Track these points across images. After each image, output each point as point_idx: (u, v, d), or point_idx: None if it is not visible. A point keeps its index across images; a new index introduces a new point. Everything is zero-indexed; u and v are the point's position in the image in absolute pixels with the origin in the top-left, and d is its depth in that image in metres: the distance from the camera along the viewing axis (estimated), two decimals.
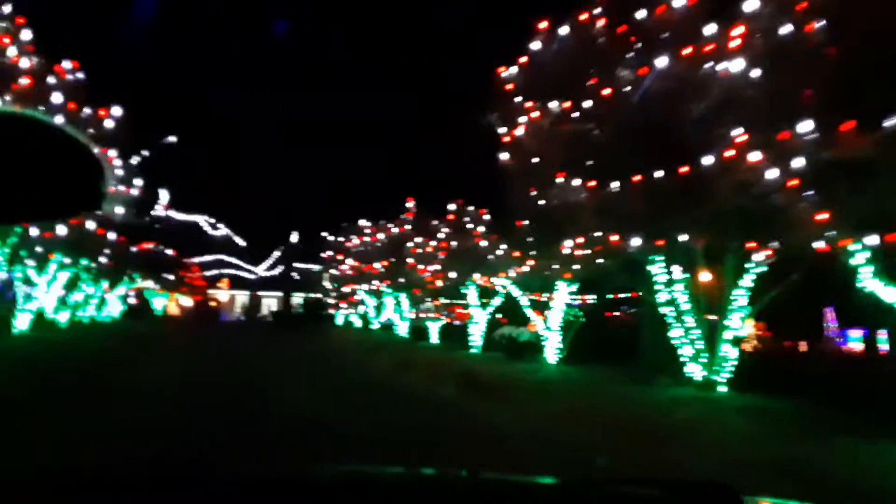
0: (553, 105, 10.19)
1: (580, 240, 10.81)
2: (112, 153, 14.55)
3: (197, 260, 66.70)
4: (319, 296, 52.63)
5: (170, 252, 29.00)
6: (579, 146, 10.08)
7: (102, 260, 19.44)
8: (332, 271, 35.20)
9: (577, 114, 10.07)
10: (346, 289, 34.46)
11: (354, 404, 10.52)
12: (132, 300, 37.66)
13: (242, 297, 74.88)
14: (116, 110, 14.37)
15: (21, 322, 17.36)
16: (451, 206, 19.48)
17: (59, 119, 12.79)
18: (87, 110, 13.75)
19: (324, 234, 35.05)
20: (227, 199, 67.48)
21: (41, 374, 10.83)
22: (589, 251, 11.31)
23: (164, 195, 61.36)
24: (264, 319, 65.86)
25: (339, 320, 44.24)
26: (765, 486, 4.41)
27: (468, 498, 1.85)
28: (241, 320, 67.97)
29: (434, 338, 25.38)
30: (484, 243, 17.18)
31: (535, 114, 10.57)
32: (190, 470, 1.90)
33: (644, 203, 9.77)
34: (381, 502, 1.72)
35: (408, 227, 27.16)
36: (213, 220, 65.30)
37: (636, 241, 10.03)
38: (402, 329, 29.65)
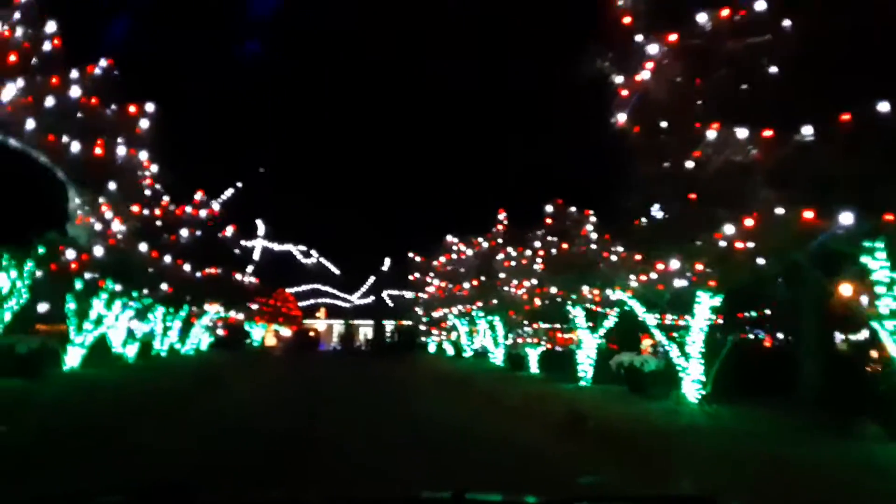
0: (702, 19, 6.81)
1: (748, 222, 7.25)
2: (143, 156, 12.50)
3: (293, 290, 66.92)
4: (411, 323, 50.62)
5: (250, 280, 27.26)
6: (744, 78, 6.63)
7: (163, 287, 17.63)
8: (422, 295, 32.51)
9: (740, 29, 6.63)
10: (436, 314, 31.67)
11: (431, 463, 7.49)
12: (221, 331, 36.58)
13: (339, 325, 74.58)
14: (149, 107, 12.33)
15: (72, 358, 15.66)
16: (549, 208, 16.15)
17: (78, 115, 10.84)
18: (114, 107, 11.72)
19: (410, 254, 32.51)
20: (319, 227, 67.19)
21: (50, 431, 8.52)
22: (753, 244, 7.70)
23: (260, 226, 61.96)
24: (360, 348, 64.90)
25: (432, 348, 41.55)
26: None
27: None
28: (337, 349, 67.44)
29: (533, 367, 21.95)
30: (593, 247, 13.72)
31: (673, 37, 7.21)
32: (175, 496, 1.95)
33: (857, 157, 6.18)
34: None
35: (500, 241, 24.10)
36: (305, 249, 64.91)
37: (846, 219, 6.40)
38: (498, 357, 26.38)
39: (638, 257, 11.25)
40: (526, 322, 23.63)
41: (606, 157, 10.09)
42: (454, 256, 26.44)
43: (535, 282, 17.24)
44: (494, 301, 24.02)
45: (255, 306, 35.61)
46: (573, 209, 15.82)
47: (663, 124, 8.23)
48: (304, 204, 61.50)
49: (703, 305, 10.96)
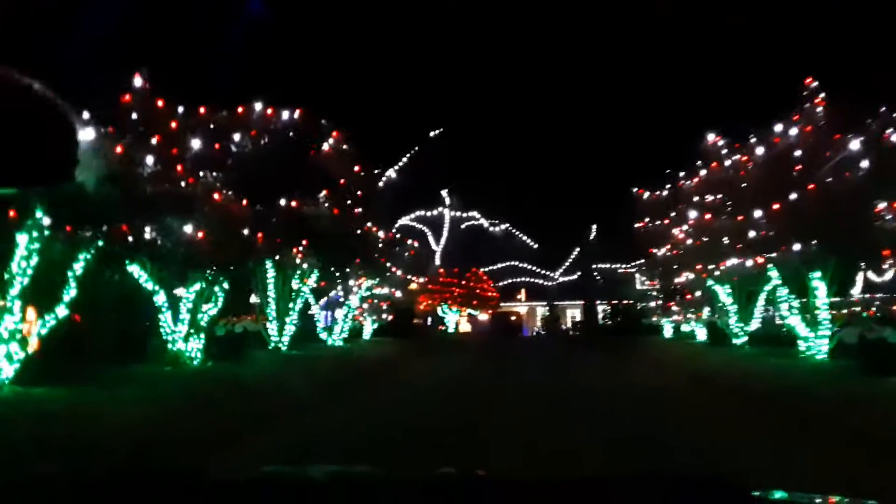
0: None
1: None
2: None
3: (487, 269, 58.81)
4: (630, 301, 39.74)
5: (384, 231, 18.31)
6: None
7: (186, 230, 9.17)
8: (657, 251, 21.11)
9: None
10: (681, 279, 20.27)
11: None
12: (388, 315, 28.64)
13: (541, 308, 65.69)
14: None
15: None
16: None
17: None
18: None
19: (634, 190, 21.16)
20: (511, 197, 58.22)
21: None
22: None
23: (446, 197, 54.68)
24: (568, 333, 55.64)
25: (668, 331, 29.86)
26: None
27: (478, 499, 1.85)
28: (540, 334, 58.89)
29: None
30: None
31: None
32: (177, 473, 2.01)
33: None
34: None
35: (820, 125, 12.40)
36: (496, 222, 56.39)
37: None
38: (816, 344, 14.68)
39: None
40: None
41: None
42: (727, 163, 14.81)
43: None
44: (814, 242, 12.51)
45: (417, 279, 27.06)
46: None
47: None
48: (492, 172, 52.92)
49: None
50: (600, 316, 50.46)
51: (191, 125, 10.35)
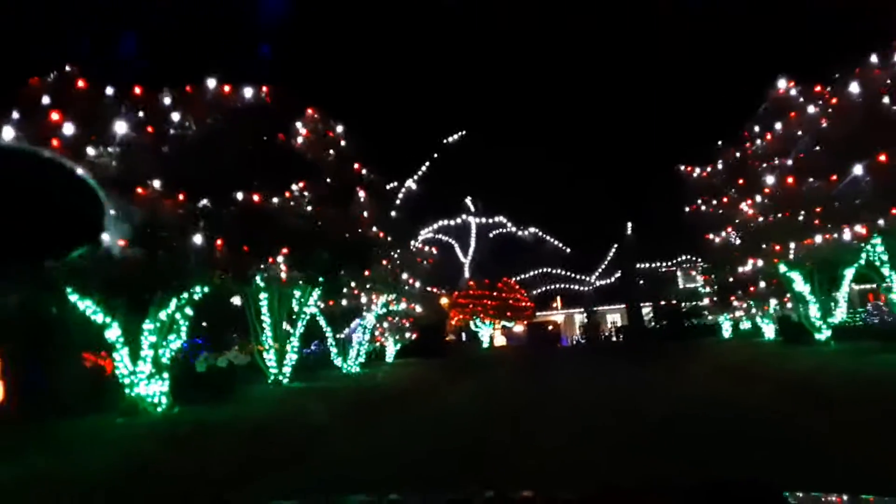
0: None
1: None
2: None
3: (519, 278, 55.82)
4: (675, 301, 36.82)
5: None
6: None
7: (104, 239, 6.98)
8: (713, 237, 17.96)
9: None
10: (747, 267, 17.15)
11: None
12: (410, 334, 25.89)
13: (579, 315, 62.68)
14: None
15: None
16: None
17: None
18: None
19: (682, 167, 18.11)
20: (536, 199, 55.39)
21: None
22: None
23: (469, 204, 52.10)
24: (610, 340, 52.72)
25: (727, 330, 26.53)
26: None
27: None
28: (580, 343, 55.99)
29: None
30: None
31: None
32: None
33: None
34: None
35: None
36: (522, 227, 53.33)
37: None
38: None
39: None
40: None
41: None
42: (812, 110, 11.74)
43: None
44: None
45: (440, 291, 24.32)
46: None
47: None
48: (516, 173, 49.94)
49: None
50: (647, 319, 47.16)
51: (121, 107, 8.02)
